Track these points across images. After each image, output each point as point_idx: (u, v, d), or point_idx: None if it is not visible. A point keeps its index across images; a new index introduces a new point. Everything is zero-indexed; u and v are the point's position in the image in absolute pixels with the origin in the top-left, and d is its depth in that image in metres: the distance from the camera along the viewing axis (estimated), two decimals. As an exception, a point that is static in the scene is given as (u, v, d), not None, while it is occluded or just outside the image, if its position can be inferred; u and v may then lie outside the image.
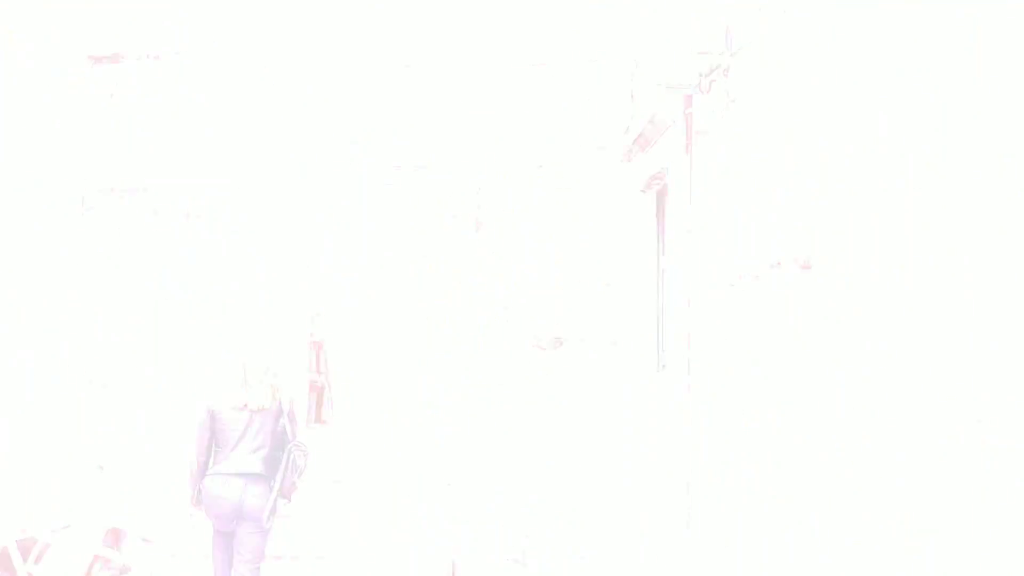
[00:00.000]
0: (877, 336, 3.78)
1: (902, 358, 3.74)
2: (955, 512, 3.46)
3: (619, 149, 9.03)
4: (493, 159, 9.13)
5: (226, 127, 9.10)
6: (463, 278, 8.99)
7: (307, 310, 9.19)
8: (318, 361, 10.19)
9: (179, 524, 5.95)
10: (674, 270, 6.79)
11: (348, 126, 10.01)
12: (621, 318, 8.94)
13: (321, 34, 8.54)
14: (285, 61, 8.43)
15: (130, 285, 8.79)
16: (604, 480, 6.81)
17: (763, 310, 5.27)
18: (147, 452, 6.55)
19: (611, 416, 6.69)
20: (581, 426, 7.24)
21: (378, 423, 10.65)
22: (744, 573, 4.91)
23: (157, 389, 7.48)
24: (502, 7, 9.14)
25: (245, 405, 4.68)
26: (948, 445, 3.52)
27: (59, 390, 7.12)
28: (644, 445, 6.61)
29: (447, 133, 9.19)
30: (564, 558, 6.31)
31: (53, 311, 7.79)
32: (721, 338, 5.75)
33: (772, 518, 4.58)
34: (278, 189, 8.97)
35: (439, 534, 6.25)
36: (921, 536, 3.55)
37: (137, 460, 6.60)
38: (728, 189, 5.50)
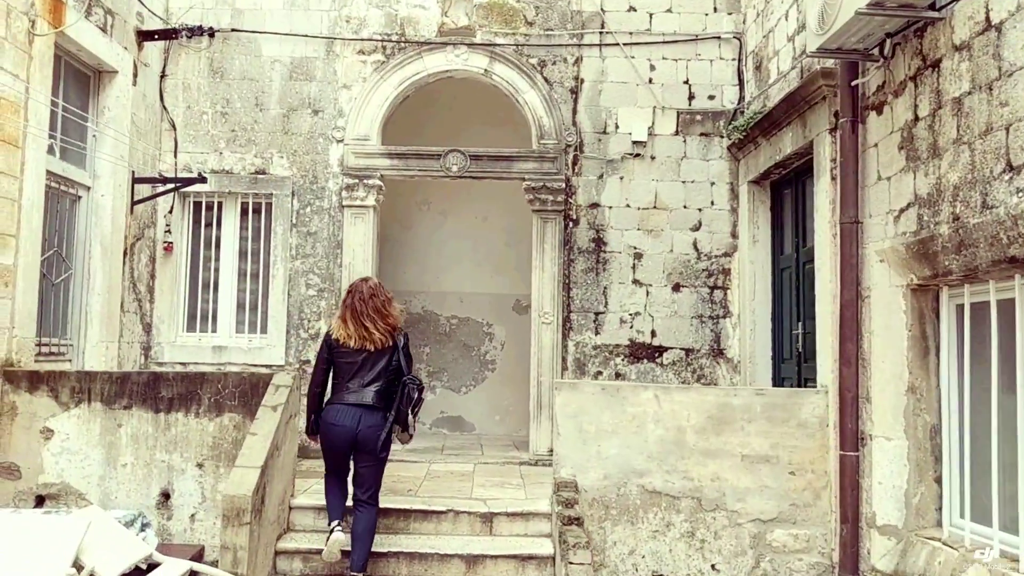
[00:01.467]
0: None
1: None
2: None
3: (713, 134, 8.16)
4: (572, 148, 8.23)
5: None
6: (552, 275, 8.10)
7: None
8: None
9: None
10: (825, 268, 5.90)
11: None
12: (728, 325, 8.06)
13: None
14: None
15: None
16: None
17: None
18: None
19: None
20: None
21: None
22: None
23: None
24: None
25: (363, 344, 4.99)
26: None
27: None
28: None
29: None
30: None
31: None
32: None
33: None
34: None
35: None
36: None
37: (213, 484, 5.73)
38: (916, 175, 4.62)
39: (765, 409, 5.85)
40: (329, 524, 5.29)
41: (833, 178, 5.81)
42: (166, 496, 5.78)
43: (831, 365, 5.80)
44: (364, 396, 4.96)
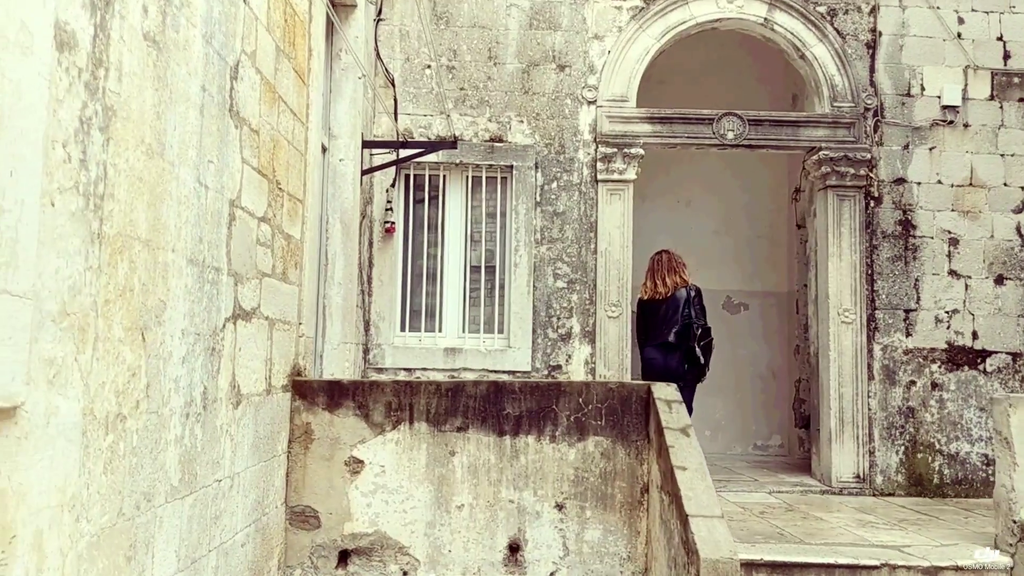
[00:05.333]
0: None
1: None
2: None
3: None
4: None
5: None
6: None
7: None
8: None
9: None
10: None
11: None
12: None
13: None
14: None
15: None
16: None
17: None
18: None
19: None
20: None
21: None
22: None
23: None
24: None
25: (654, 296, 6.06)
26: None
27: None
28: None
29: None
30: None
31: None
32: None
33: None
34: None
35: None
36: None
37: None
38: None
39: None
40: None
41: None
42: (514, 548, 4.34)
43: None
44: (666, 336, 5.93)
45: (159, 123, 2.60)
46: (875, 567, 4.44)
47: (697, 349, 5.88)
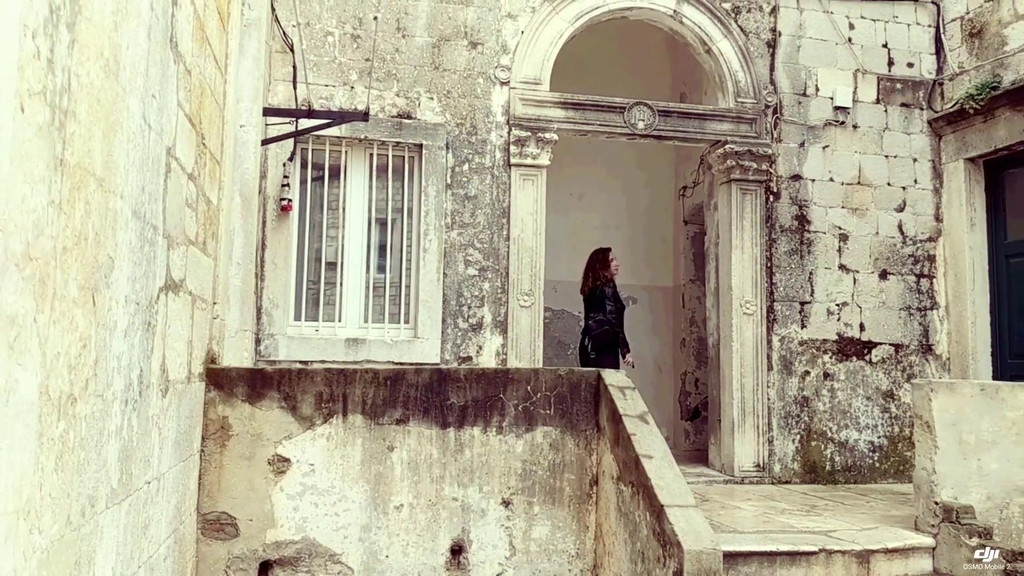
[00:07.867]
0: None
1: None
2: None
3: (913, 105, 7.30)
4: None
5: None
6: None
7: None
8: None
9: None
10: None
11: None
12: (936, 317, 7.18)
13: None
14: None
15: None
16: None
17: None
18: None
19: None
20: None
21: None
22: None
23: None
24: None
25: (583, 291, 6.88)
26: None
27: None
28: None
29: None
30: None
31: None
32: None
33: None
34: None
35: None
36: None
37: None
38: None
39: None
40: None
41: None
42: (457, 550, 4.00)
43: None
44: (586, 326, 6.74)
45: (116, 36, 2.08)
46: (813, 553, 4.45)
47: (587, 340, 6.68)
